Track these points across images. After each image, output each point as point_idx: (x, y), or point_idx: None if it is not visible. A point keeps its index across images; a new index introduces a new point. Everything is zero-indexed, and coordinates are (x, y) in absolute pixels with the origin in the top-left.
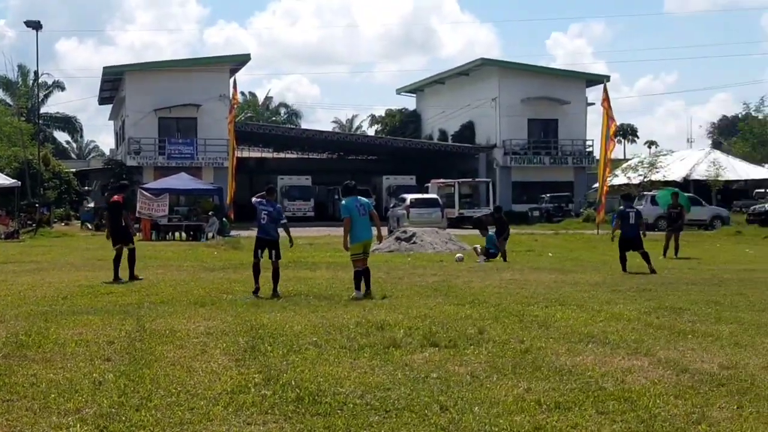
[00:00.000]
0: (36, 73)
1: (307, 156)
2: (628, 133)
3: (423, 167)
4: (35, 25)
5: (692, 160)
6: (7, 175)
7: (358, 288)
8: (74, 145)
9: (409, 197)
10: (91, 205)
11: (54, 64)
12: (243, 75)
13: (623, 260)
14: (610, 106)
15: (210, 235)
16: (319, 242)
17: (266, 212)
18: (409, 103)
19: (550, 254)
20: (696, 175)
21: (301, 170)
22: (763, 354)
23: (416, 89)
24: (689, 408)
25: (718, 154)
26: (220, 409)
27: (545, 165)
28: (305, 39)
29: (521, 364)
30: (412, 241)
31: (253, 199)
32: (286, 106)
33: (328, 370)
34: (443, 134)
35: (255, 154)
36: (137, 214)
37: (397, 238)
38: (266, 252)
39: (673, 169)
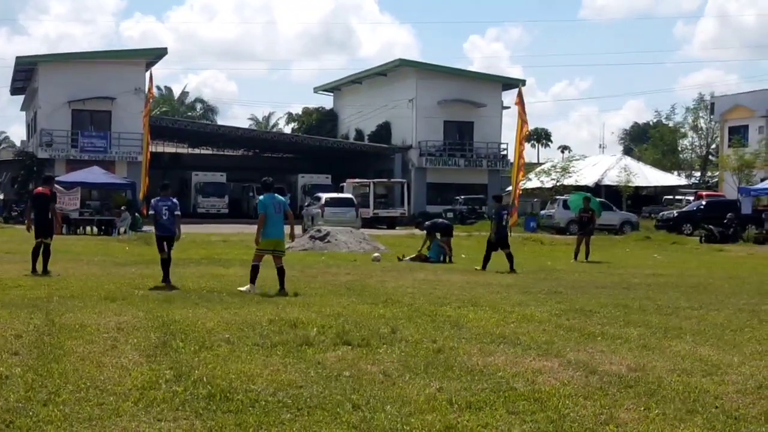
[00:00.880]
0: None
1: (222, 153)
2: (542, 137)
3: (339, 166)
4: None
5: (604, 165)
6: None
7: (252, 282)
8: None
9: (324, 196)
10: (0, 197)
11: None
12: (159, 69)
13: (487, 259)
14: (524, 110)
15: (122, 230)
16: (232, 239)
17: (166, 207)
18: (327, 101)
19: (463, 256)
20: (607, 181)
21: (216, 167)
22: (670, 357)
23: (334, 88)
24: (598, 409)
25: (629, 161)
26: (129, 405)
27: (460, 167)
28: (223, 35)
29: (433, 364)
30: (326, 240)
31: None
32: (202, 101)
33: (240, 368)
34: (360, 134)
35: (170, 149)
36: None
37: (312, 237)
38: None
39: (585, 174)
